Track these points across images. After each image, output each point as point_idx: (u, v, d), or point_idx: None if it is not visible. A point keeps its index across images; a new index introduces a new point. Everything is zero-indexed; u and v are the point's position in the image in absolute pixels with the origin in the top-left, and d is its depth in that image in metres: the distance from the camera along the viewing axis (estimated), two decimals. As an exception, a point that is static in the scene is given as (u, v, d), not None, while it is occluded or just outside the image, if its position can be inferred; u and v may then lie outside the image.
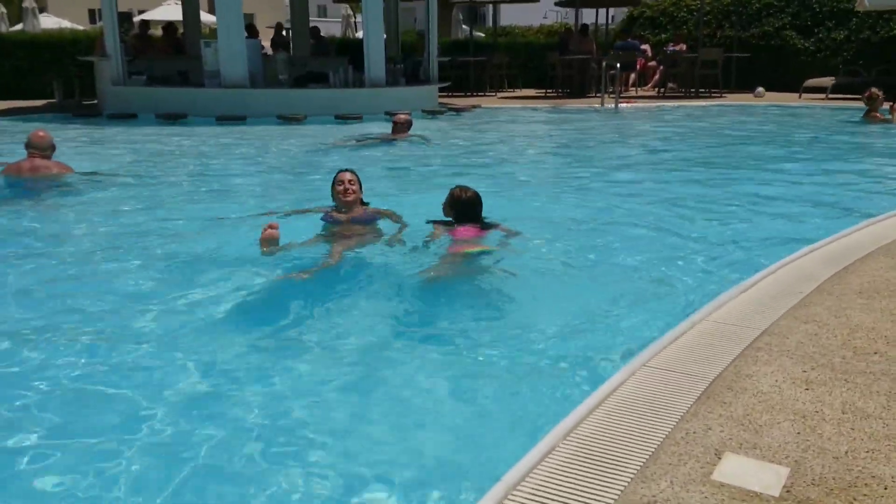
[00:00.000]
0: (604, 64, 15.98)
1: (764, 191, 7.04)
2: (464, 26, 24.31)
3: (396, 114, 10.62)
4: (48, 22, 25.16)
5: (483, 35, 24.64)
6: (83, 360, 3.33)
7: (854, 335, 3.15)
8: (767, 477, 2.13)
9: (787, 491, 2.06)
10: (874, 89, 12.01)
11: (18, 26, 22.81)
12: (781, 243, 5.02)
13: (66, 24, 25.54)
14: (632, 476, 2.13)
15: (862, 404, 2.55)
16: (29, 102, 15.35)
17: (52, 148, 7.00)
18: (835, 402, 2.56)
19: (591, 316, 3.90)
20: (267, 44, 17.58)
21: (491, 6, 23.91)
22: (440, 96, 15.59)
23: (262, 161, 9.29)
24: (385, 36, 14.81)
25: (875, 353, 2.97)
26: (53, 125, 10.80)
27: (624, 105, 15.45)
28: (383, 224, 5.10)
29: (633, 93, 18.64)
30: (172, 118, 12.55)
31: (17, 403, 2.94)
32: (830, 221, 5.67)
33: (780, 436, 2.35)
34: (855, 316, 3.36)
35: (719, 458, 2.22)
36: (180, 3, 18.50)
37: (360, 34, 19.67)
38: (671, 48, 18.72)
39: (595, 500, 2.03)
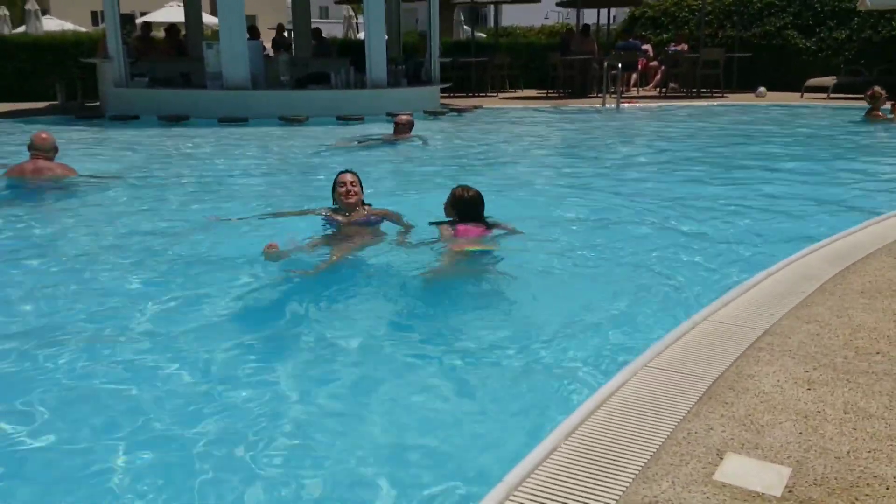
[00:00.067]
0: (605, 64, 15.98)
1: (765, 190, 7.03)
2: (465, 27, 24.35)
3: (398, 115, 10.63)
4: (51, 24, 25.19)
5: (484, 36, 24.68)
6: (85, 358, 3.34)
7: (856, 335, 3.14)
8: (769, 477, 2.12)
9: (789, 491, 2.06)
10: (877, 88, 11.99)
11: (21, 28, 22.86)
12: (783, 243, 5.02)
13: (68, 26, 25.56)
14: (633, 476, 2.13)
15: (864, 404, 2.54)
16: (31, 104, 15.38)
17: (55, 149, 7.02)
18: (837, 402, 2.56)
19: (592, 316, 3.90)
20: (268, 45, 17.61)
21: (492, 7, 23.94)
22: (442, 97, 15.60)
23: (264, 162, 9.30)
24: (386, 37, 14.82)
25: (877, 353, 2.97)
26: (56, 127, 10.82)
27: (625, 105, 15.45)
28: (385, 225, 5.09)
29: (634, 93, 18.62)
30: (175, 120, 12.57)
31: (18, 401, 2.96)
32: (832, 221, 5.66)
33: (782, 436, 2.34)
34: (857, 316, 3.36)
35: (721, 459, 2.22)
36: (182, 4, 18.53)
37: (361, 35, 19.68)
38: (672, 48, 18.71)
39: (596, 500, 2.03)
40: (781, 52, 18.92)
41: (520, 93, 19.37)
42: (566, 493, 2.07)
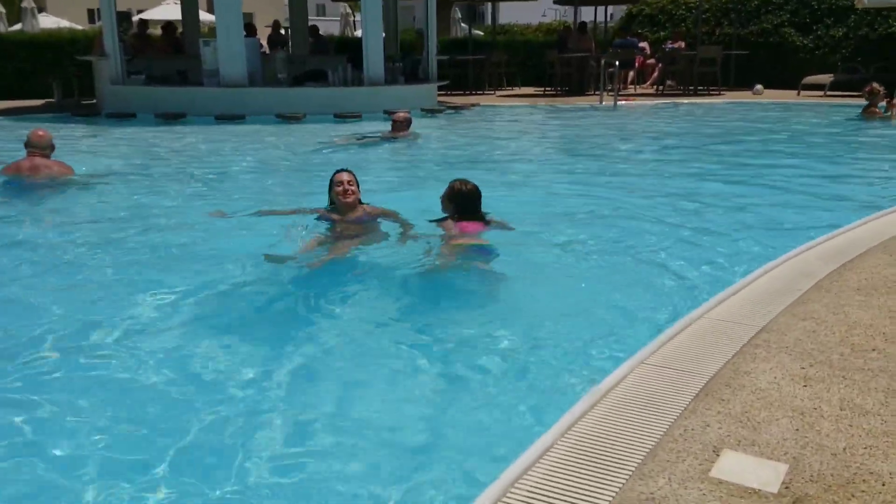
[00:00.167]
0: (602, 62, 15.98)
1: (762, 188, 7.04)
2: (462, 24, 24.29)
3: (396, 112, 10.63)
4: (47, 22, 25.12)
5: (482, 33, 24.62)
6: (82, 356, 3.34)
7: (852, 332, 3.15)
8: (766, 473, 2.13)
9: (786, 487, 2.07)
10: (875, 84, 11.98)
11: (17, 26, 22.78)
12: (779, 240, 5.03)
13: (64, 23, 25.50)
14: (630, 473, 2.14)
15: (860, 401, 2.55)
16: (28, 102, 15.34)
17: (52, 147, 7.01)
18: (833, 399, 2.57)
19: (589, 312, 3.90)
20: (264, 42, 17.57)
21: (490, 4, 23.90)
22: (439, 95, 15.58)
23: (261, 160, 9.29)
24: (384, 34, 14.80)
25: (873, 349, 2.98)
26: (52, 125, 10.79)
27: (622, 103, 15.44)
28: (383, 223, 5.09)
29: (631, 90, 18.62)
30: (171, 117, 12.54)
31: (14, 395, 2.96)
32: (829, 218, 5.66)
33: (779, 432, 2.35)
34: (853, 313, 3.37)
35: (718, 455, 2.22)
36: (179, 2, 18.48)
37: (358, 33, 19.67)
38: (670, 46, 18.70)
39: (593, 497, 2.04)
40: (778, 50, 18.93)
41: (517, 90, 19.36)
42: (563, 490, 2.07)
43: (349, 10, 25.13)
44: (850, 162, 8.98)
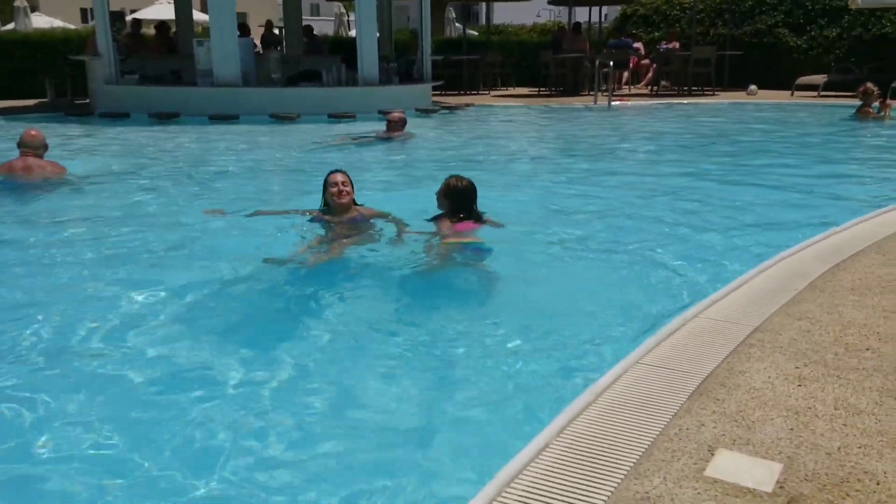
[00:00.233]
0: (597, 62, 16.01)
1: (756, 188, 7.05)
2: (457, 25, 24.31)
3: (390, 112, 10.63)
4: (39, 21, 25.04)
5: (476, 33, 24.68)
6: (75, 356, 3.33)
7: (846, 332, 3.16)
8: (760, 473, 2.13)
9: (780, 486, 2.07)
10: (869, 84, 12.02)
11: (10, 25, 22.72)
12: (774, 240, 5.03)
13: (57, 23, 25.42)
14: (625, 473, 2.14)
15: (854, 400, 2.55)
16: (20, 102, 15.29)
17: (45, 146, 6.98)
18: (827, 399, 2.57)
19: (584, 311, 3.90)
20: (258, 42, 17.55)
21: (484, 4, 23.90)
22: (433, 95, 15.58)
23: (255, 160, 9.27)
24: (378, 34, 14.80)
25: (867, 349, 2.98)
26: (45, 124, 10.75)
27: (616, 103, 15.46)
28: (378, 223, 5.07)
29: (625, 91, 18.66)
30: (165, 117, 12.51)
31: (10, 391, 2.95)
32: (823, 218, 5.68)
33: (773, 432, 2.35)
34: (847, 312, 3.37)
35: (712, 455, 2.22)
36: (173, 2, 18.45)
37: (353, 33, 19.63)
38: (664, 46, 18.74)
39: (589, 496, 2.03)
40: (772, 51, 18.99)
41: (511, 91, 19.38)
42: (558, 489, 2.07)
43: (343, 10, 25.12)
44: (844, 162, 9.01)
